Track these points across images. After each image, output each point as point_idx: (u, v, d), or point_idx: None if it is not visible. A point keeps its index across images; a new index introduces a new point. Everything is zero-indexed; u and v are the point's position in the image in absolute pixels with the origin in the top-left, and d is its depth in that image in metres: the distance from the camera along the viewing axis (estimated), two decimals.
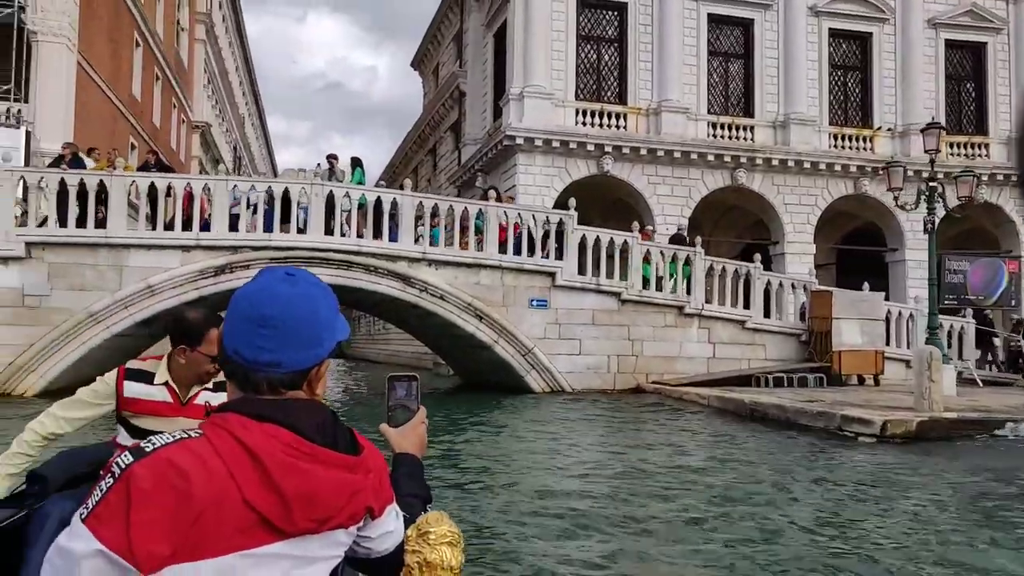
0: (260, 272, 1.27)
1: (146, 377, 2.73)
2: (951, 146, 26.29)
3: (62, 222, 13.50)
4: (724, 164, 24.60)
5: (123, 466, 1.06)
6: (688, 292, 17.03)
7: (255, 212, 14.82)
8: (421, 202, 15.53)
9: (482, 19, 27.43)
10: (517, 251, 16.03)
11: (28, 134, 18.76)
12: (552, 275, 16.17)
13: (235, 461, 1.09)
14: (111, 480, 1.05)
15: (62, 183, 13.35)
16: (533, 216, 16.09)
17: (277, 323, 1.17)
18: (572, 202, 16.59)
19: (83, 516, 1.04)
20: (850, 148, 25.87)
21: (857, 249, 26.57)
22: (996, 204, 26.47)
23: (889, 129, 26.28)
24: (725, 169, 24.72)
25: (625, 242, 16.70)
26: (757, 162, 24.71)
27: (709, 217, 26.26)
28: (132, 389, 2.71)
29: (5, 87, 19.03)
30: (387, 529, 1.29)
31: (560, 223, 16.23)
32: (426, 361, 32.15)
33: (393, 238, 15.34)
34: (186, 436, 1.12)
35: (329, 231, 14.90)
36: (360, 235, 15.08)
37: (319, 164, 15.44)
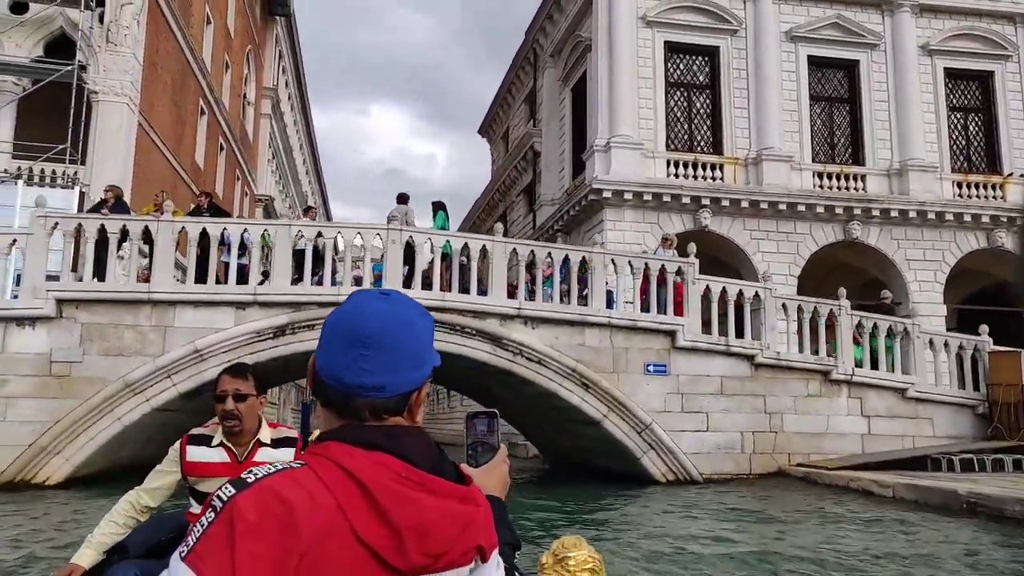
0: (351, 295, 1.17)
1: (205, 440, 2.82)
2: None
3: (99, 275, 11.33)
4: (835, 217, 21.71)
5: (224, 498, 0.96)
6: (821, 353, 13.91)
7: (318, 262, 12.51)
8: (515, 248, 12.99)
9: (558, 74, 25.60)
10: (608, 303, 13.30)
11: (82, 195, 17.10)
12: (672, 335, 13.29)
13: (343, 491, 0.99)
14: (212, 514, 0.95)
15: (102, 230, 11.23)
16: (647, 264, 13.36)
17: (378, 343, 1.08)
18: (692, 247, 13.85)
19: (183, 554, 0.93)
20: (978, 197, 22.72)
21: (990, 310, 22.93)
22: None
23: (1022, 175, 23.10)
24: (836, 222, 21.81)
25: (756, 294, 13.79)
26: (873, 214, 21.74)
27: (813, 278, 23.12)
28: (193, 453, 2.79)
29: (61, 146, 17.53)
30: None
31: (679, 272, 13.47)
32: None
33: (482, 292, 12.78)
34: (289, 466, 1.02)
35: (408, 284, 12.44)
36: (444, 288, 12.56)
37: (393, 210, 13.12)
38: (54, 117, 18.30)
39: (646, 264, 13.38)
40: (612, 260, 13.33)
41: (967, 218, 22.14)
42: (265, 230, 11.99)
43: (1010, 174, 23.05)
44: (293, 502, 0.95)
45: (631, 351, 13.22)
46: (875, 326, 14.11)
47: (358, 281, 12.64)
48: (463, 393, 20.60)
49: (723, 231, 21.20)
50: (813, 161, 22.27)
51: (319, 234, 12.19)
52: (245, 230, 11.82)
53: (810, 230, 21.79)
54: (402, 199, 13.66)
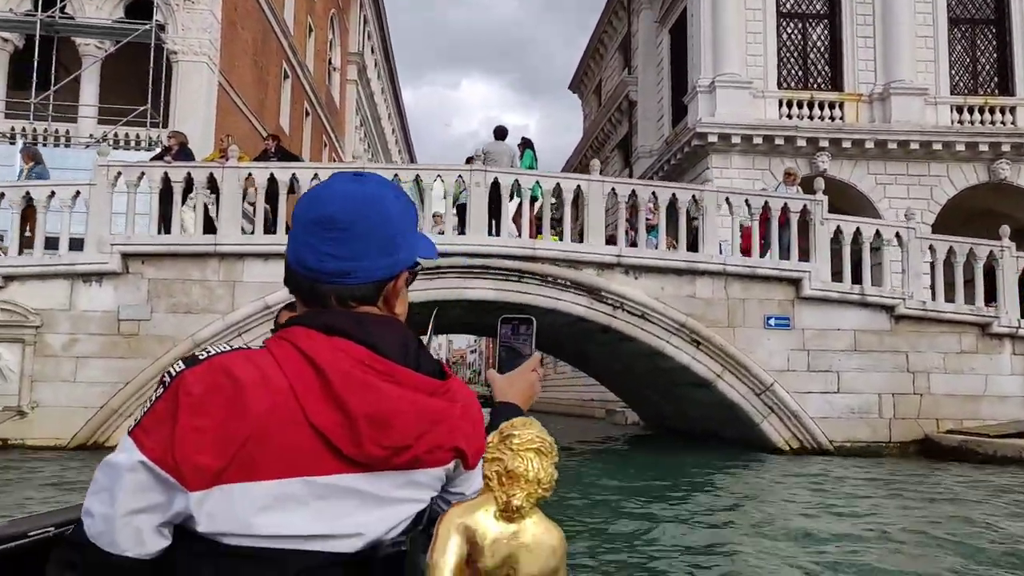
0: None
1: None
2: None
3: (165, 227, 10.62)
4: (978, 155, 19.04)
5: (174, 374, 0.93)
6: (977, 302, 11.79)
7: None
8: (613, 188, 11.51)
9: (655, 16, 23.61)
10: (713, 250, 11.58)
11: None
12: (796, 283, 11.52)
13: (297, 374, 0.93)
14: (161, 389, 0.92)
15: (166, 180, 10.48)
16: (766, 203, 11.60)
17: (345, 225, 1.00)
18: (820, 183, 11.98)
19: (130, 428, 0.92)
20: None
21: None
22: None
23: None
24: (980, 161, 19.13)
25: (897, 235, 11.81)
26: None
27: (948, 227, 20.40)
28: None
29: (142, 108, 17.16)
30: (481, 485, 1.02)
31: (804, 211, 11.65)
32: (593, 408, 27.67)
33: (577, 239, 11.39)
34: (245, 347, 0.98)
35: (494, 231, 11.20)
36: (534, 235, 11.24)
37: (485, 147, 11.78)
38: (135, 81, 18.00)
39: (766, 202, 11.62)
40: (727, 199, 11.64)
41: None
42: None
43: None
44: (243, 380, 0.90)
45: (748, 303, 11.54)
46: None
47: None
48: (553, 355, 19.33)
49: (844, 176, 18.93)
50: (952, 93, 19.58)
51: (395, 176, 11.07)
52: (315, 175, 10.84)
53: (947, 171, 19.22)
54: (500, 134, 12.09)
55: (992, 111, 19.46)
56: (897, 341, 11.60)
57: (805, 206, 11.65)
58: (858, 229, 11.75)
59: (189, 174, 10.49)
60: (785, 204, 11.62)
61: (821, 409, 11.42)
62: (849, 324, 11.55)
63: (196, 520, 0.88)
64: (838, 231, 11.68)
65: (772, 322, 11.47)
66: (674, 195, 11.56)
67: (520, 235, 11.28)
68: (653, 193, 11.54)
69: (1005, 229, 12.18)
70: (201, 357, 0.93)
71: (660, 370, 12.48)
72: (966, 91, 19.78)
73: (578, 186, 11.37)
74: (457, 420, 0.98)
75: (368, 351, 0.95)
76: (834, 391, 11.48)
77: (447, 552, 0.88)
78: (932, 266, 12.00)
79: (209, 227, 10.62)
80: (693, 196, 11.56)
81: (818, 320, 11.55)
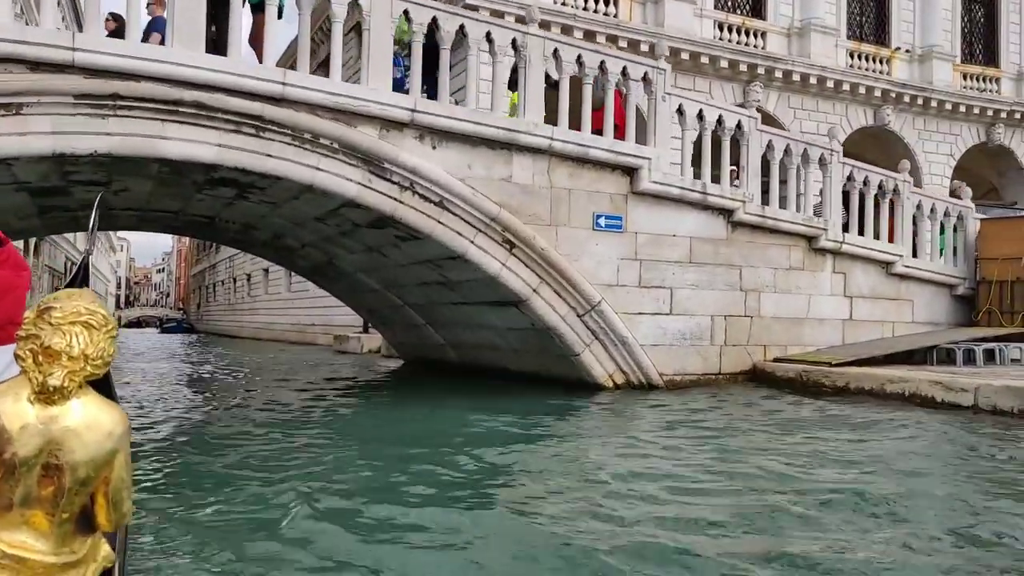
0: None
1: None
2: (964, 77, 21.48)
3: None
4: (738, 75, 18.26)
5: None
6: (806, 210, 10.14)
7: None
8: (407, 11, 7.55)
9: None
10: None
11: None
12: (632, 173, 8.71)
13: None
14: None
15: None
16: (602, 64, 8.53)
17: None
18: (663, 45, 9.23)
19: None
20: (867, 70, 20.29)
21: None
22: (1008, 147, 21.82)
23: (907, 51, 20.94)
24: (738, 82, 18.37)
25: (739, 124, 9.54)
26: (776, 75, 18.54)
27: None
28: None
29: None
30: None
31: (644, 79, 8.82)
32: (315, 334, 23.50)
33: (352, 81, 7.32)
34: None
35: (218, 49, 6.65)
36: (287, 65, 6.93)
37: None
38: None
39: (602, 62, 8.54)
40: (555, 51, 8.32)
41: (862, 90, 19.67)
42: None
43: (897, 48, 20.82)
44: None
45: (575, 195, 8.49)
46: (865, 179, 10.45)
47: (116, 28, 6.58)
48: (289, 266, 14.80)
49: None
50: (715, 8, 18.43)
51: None
52: None
53: (710, 89, 18.09)
54: None
55: (748, 33, 18.76)
56: (731, 253, 9.45)
57: (647, 73, 8.81)
58: (701, 112, 9.25)
59: None
60: (625, 67, 8.66)
61: (652, 335, 8.90)
62: (686, 230, 9.10)
63: None
64: (681, 110, 9.06)
65: (603, 222, 8.58)
66: (490, 32, 7.96)
67: (262, 61, 6.87)
68: (462, 26, 7.81)
69: (836, 129, 10.59)
70: None
71: (450, 283, 9.04)
72: (727, 9, 18.79)
73: None
74: (25, 289, 0.61)
75: None
76: (666, 312, 9.00)
77: None
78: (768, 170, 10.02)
79: None
80: (514, 39, 8.07)
81: (654, 223, 8.91)
